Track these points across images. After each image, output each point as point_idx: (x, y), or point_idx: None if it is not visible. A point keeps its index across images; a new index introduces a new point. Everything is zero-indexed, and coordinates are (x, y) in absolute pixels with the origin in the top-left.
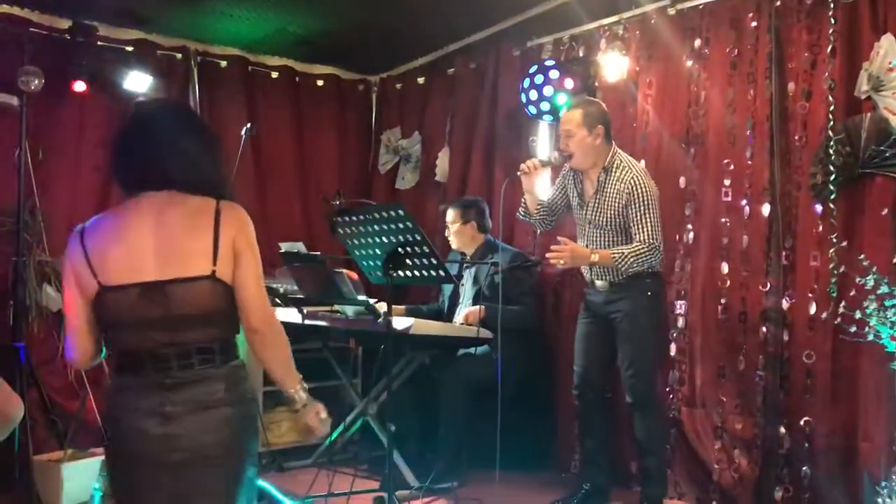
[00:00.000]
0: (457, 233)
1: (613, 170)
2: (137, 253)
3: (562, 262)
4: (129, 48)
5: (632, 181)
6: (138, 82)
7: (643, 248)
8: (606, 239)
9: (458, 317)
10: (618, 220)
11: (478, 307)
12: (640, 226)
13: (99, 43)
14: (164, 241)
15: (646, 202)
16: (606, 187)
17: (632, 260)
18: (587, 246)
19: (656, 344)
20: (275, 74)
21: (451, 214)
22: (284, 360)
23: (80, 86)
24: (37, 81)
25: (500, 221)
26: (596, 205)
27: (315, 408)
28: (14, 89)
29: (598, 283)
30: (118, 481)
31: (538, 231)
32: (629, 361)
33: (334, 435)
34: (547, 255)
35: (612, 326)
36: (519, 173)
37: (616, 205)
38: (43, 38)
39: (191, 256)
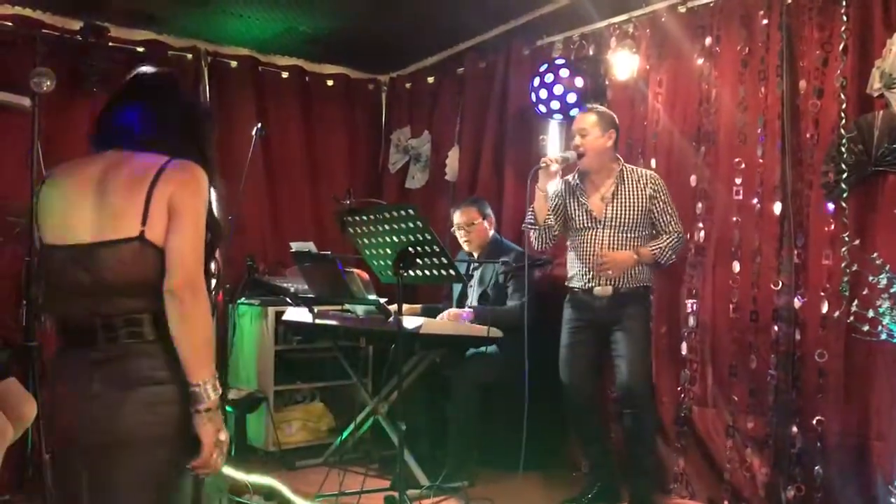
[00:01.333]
0: (478, 231)
1: (628, 174)
2: (73, 211)
3: (611, 273)
4: (140, 49)
5: (651, 176)
6: None
7: (674, 238)
8: (623, 239)
9: (443, 316)
10: (641, 216)
11: (463, 310)
12: (667, 216)
13: (110, 44)
14: (102, 200)
15: (667, 195)
16: (627, 188)
17: (669, 252)
18: (602, 250)
19: (650, 350)
20: (285, 74)
21: (468, 213)
22: (200, 342)
23: (91, 86)
24: (48, 82)
25: (509, 216)
26: (615, 205)
27: (219, 421)
28: (26, 90)
29: (598, 290)
30: (54, 465)
31: (536, 246)
32: (632, 364)
33: (345, 434)
34: (601, 268)
35: (607, 332)
36: (541, 165)
37: (641, 201)
38: (55, 39)
39: (122, 216)
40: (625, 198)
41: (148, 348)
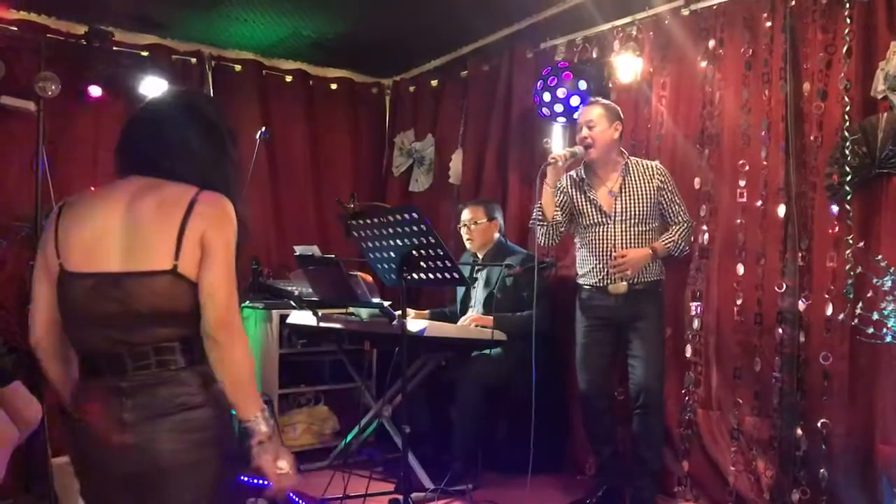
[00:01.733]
0: (481, 230)
1: (634, 167)
2: (101, 239)
3: (629, 272)
4: (145, 53)
5: (657, 167)
6: (153, 87)
7: (685, 228)
8: (635, 234)
9: (465, 320)
10: (650, 210)
11: (488, 318)
12: (676, 206)
13: (114, 48)
14: (130, 229)
15: (674, 184)
16: (634, 181)
17: (682, 244)
18: (615, 246)
19: (664, 347)
20: (289, 78)
21: (473, 212)
22: (243, 380)
23: (95, 91)
24: (53, 87)
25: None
26: (626, 199)
27: (276, 450)
28: (31, 95)
29: (612, 287)
30: (86, 492)
31: (542, 242)
32: (645, 363)
33: (349, 437)
34: (617, 269)
35: (622, 330)
36: (550, 162)
37: (649, 193)
38: (59, 43)
39: (154, 248)
40: (632, 191)
41: (179, 375)
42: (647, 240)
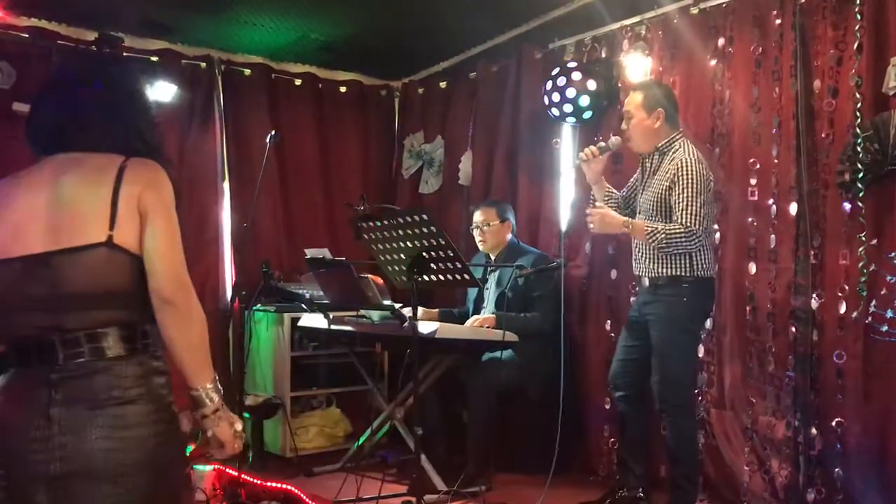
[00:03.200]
0: (493, 232)
1: (669, 152)
2: (25, 221)
3: (592, 226)
4: (154, 58)
5: (679, 161)
6: (163, 92)
7: (679, 229)
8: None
9: (472, 321)
10: (660, 205)
11: (491, 316)
12: (680, 207)
13: (125, 54)
14: (56, 206)
15: (690, 184)
16: (658, 170)
17: (662, 237)
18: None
19: (688, 352)
20: (298, 81)
21: (486, 214)
22: (197, 345)
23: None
24: None
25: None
26: (646, 188)
27: (229, 417)
28: None
29: (645, 279)
30: (7, 495)
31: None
32: (658, 367)
33: (362, 439)
34: (587, 219)
35: (647, 328)
36: (578, 162)
37: (661, 187)
38: (70, 49)
39: (84, 221)
40: (653, 181)
41: (115, 365)
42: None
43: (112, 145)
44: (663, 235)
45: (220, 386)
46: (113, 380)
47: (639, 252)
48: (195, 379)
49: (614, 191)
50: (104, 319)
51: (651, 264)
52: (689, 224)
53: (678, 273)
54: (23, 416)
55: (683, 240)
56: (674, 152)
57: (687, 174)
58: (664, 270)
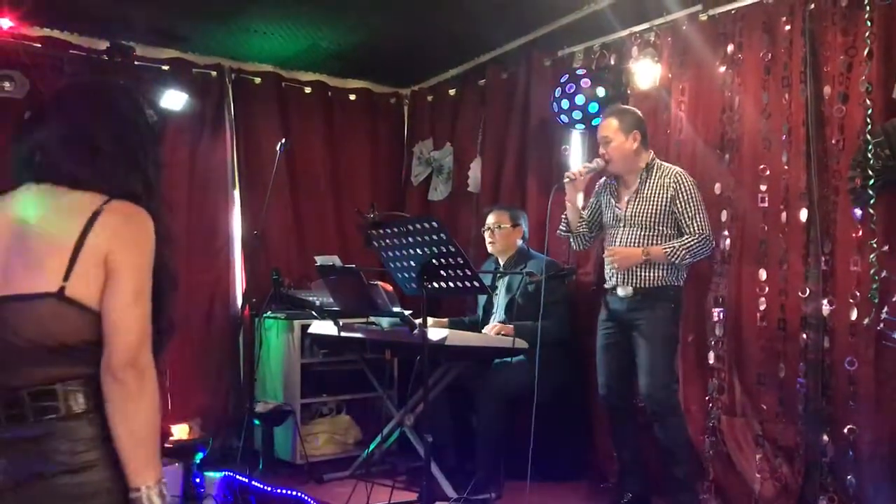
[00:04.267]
0: (504, 235)
1: (656, 170)
2: None
3: (615, 265)
4: (166, 67)
5: (677, 176)
6: (174, 100)
7: (693, 240)
8: (645, 237)
9: (488, 330)
10: (661, 217)
11: (509, 327)
12: (689, 218)
13: (136, 63)
14: (16, 246)
15: (692, 194)
16: (648, 184)
17: (683, 253)
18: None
19: (673, 354)
20: (308, 89)
21: (498, 216)
22: (146, 435)
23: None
24: None
25: (547, 227)
26: (636, 203)
27: None
28: None
29: (620, 290)
30: None
31: (575, 248)
32: (647, 370)
33: (372, 446)
34: (608, 262)
35: (631, 334)
36: (566, 181)
37: (659, 200)
38: (82, 59)
39: (40, 267)
40: (646, 196)
41: (64, 426)
42: (655, 244)
43: (94, 181)
44: (684, 251)
45: (165, 490)
46: (61, 443)
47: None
48: (136, 476)
49: (582, 213)
50: (50, 376)
51: (641, 272)
52: (703, 231)
53: (666, 283)
54: None
55: (701, 247)
56: (662, 169)
57: (688, 186)
58: (653, 281)
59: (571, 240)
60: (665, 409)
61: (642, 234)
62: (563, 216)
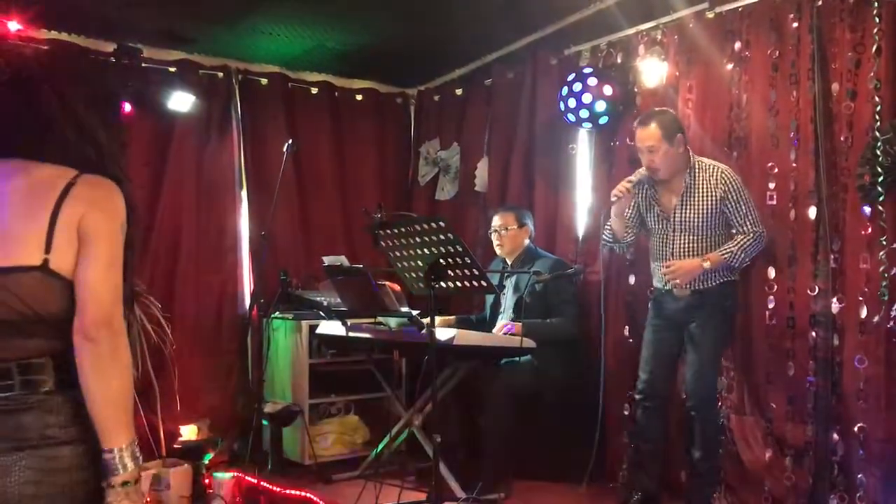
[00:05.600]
0: (512, 237)
1: (699, 171)
2: None
3: (678, 281)
4: (172, 69)
5: (723, 175)
6: (181, 102)
7: (747, 239)
8: (699, 241)
9: (497, 329)
10: (713, 219)
11: (517, 324)
12: (742, 217)
13: (143, 64)
14: None
15: (741, 192)
16: (696, 188)
17: (741, 255)
18: (674, 255)
19: (723, 353)
20: (314, 90)
21: (505, 218)
22: (116, 394)
23: (125, 107)
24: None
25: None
26: (686, 207)
27: (137, 499)
28: None
29: (677, 291)
30: None
31: (618, 252)
32: (698, 367)
33: (380, 446)
34: (667, 278)
35: (683, 333)
36: (614, 199)
37: (710, 201)
38: (89, 61)
39: (20, 241)
40: (695, 199)
41: (47, 401)
42: (709, 247)
43: (65, 157)
44: (742, 253)
45: (138, 452)
46: (43, 417)
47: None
48: (109, 438)
49: (629, 222)
50: (37, 349)
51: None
52: (757, 229)
53: (723, 280)
54: None
55: (758, 244)
56: (707, 169)
57: (737, 184)
58: (710, 280)
59: (615, 248)
60: (707, 406)
61: (696, 238)
62: (608, 226)
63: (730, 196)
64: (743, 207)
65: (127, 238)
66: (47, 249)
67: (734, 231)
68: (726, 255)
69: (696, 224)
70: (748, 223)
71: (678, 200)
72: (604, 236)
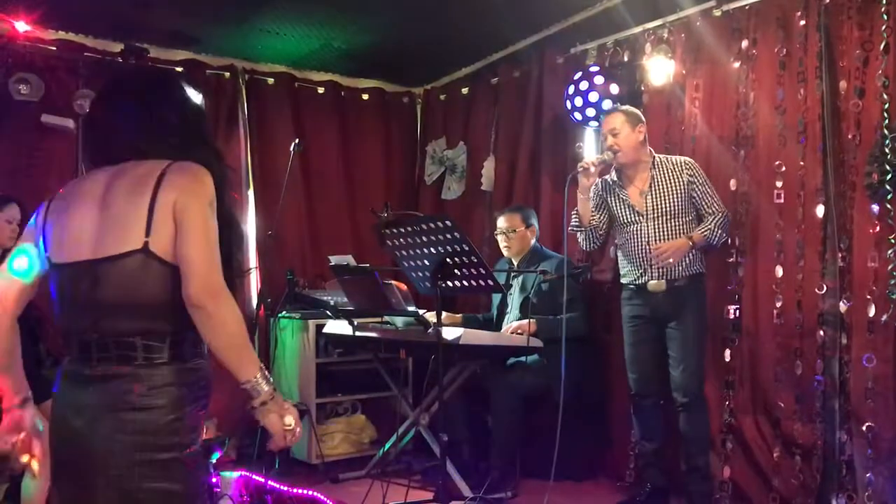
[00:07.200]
0: (519, 238)
1: (663, 163)
2: (79, 229)
3: (671, 260)
4: (179, 68)
5: (686, 163)
6: None
7: (718, 218)
8: (668, 228)
9: (506, 328)
10: (682, 203)
11: (527, 321)
12: (710, 198)
13: (150, 64)
14: (105, 215)
15: (705, 178)
16: (662, 177)
17: (719, 231)
18: (650, 243)
19: (705, 344)
20: (321, 89)
21: (510, 220)
22: (237, 342)
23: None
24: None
25: (564, 224)
26: (657, 195)
27: (280, 408)
28: (70, 113)
29: (652, 284)
30: (52, 465)
31: (585, 248)
32: (684, 361)
33: (387, 445)
34: (660, 259)
35: (663, 328)
36: (579, 170)
37: (678, 185)
38: (97, 61)
39: (125, 229)
40: (662, 187)
41: (138, 372)
42: (682, 233)
43: (157, 151)
44: (719, 230)
45: (269, 376)
46: (132, 385)
47: (650, 258)
48: (240, 374)
49: (594, 209)
50: (131, 329)
51: (675, 264)
52: (724, 209)
53: (696, 271)
54: (64, 407)
55: (726, 224)
56: (666, 160)
57: (698, 170)
58: (685, 270)
59: (581, 237)
60: (695, 400)
61: (669, 224)
62: (575, 211)
63: (696, 180)
64: (709, 190)
65: (222, 215)
66: (147, 233)
67: (703, 214)
68: (706, 233)
69: (667, 209)
70: (715, 204)
71: (648, 190)
72: (572, 223)
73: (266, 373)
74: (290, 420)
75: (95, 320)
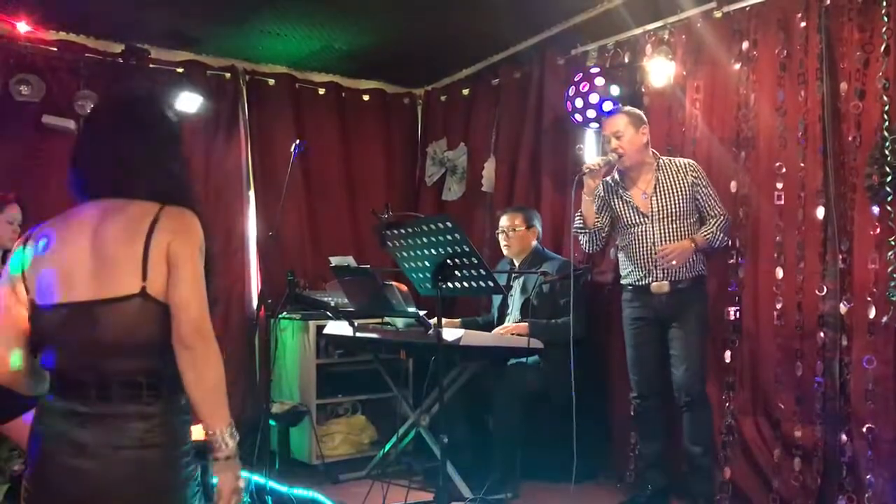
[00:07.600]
0: (519, 238)
1: (667, 165)
2: (72, 267)
3: (675, 262)
4: (180, 69)
5: (690, 164)
6: (189, 103)
7: (719, 221)
8: (672, 230)
9: (500, 330)
10: (687, 204)
11: (522, 324)
12: (713, 200)
13: (150, 65)
14: (98, 255)
15: (708, 180)
16: (667, 178)
17: (721, 234)
18: (655, 244)
19: (706, 344)
20: (322, 90)
21: (513, 219)
22: (213, 389)
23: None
24: (91, 105)
25: (567, 224)
26: (662, 196)
27: (237, 468)
28: (71, 113)
29: (655, 286)
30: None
31: (587, 250)
32: (686, 361)
33: (388, 446)
34: (664, 260)
35: (665, 329)
36: (585, 172)
37: (683, 186)
38: (97, 62)
39: (121, 272)
40: (667, 189)
41: (144, 410)
42: (685, 235)
43: (150, 192)
44: (720, 233)
45: (235, 433)
46: (139, 424)
47: (654, 259)
48: (211, 422)
49: (598, 210)
50: (135, 368)
51: (678, 266)
52: (725, 212)
53: (699, 273)
54: (54, 444)
55: (727, 226)
56: (669, 161)
57: (702, 172)
58: (687, 271)
59: (584, 239)
60: (698, 400)
61: (673, 226)
62: (578, 213)
63: (700, 181)
64: (712, 192)
65: (206, 258)
66: (144, 276)
67: (705, 216)
68: (708, 236)
69: (671, 211)
70: (717, 207)
71: (652, 191)
72: (575, 224)
73: (234, 429)
74: (242, 484)
75: (94, 360)
